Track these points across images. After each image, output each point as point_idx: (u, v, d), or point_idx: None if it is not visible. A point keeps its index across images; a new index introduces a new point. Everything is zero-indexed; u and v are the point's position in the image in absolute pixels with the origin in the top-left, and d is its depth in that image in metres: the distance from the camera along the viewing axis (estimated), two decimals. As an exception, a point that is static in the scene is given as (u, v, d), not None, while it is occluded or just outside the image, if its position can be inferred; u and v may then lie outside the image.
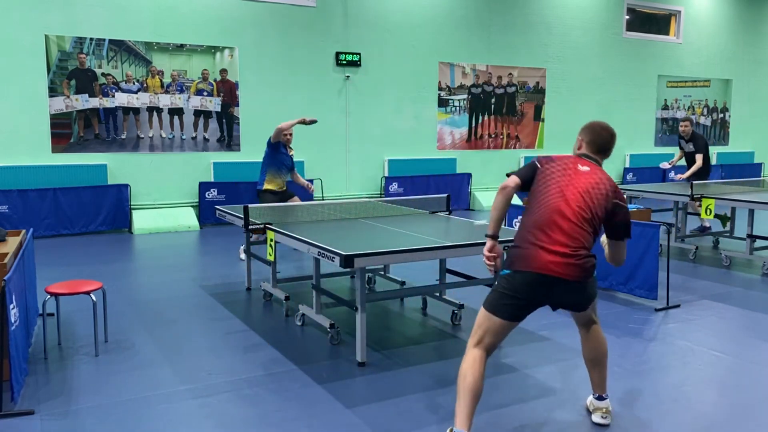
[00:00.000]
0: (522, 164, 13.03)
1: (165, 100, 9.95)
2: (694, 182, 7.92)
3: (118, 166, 9.71)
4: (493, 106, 12.78)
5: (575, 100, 13.64)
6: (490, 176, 12.84)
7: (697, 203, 6.85)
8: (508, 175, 3.30)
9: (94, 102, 9.50)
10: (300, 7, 10.72)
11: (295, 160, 10.60)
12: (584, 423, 3.37)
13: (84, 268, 7.08)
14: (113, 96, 9.61)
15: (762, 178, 15.69)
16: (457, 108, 12.42)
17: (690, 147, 8.83)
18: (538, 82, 13.19)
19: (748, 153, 16.36)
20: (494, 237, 3.27)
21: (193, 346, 4.53)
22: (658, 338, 4.72)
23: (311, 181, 10.78)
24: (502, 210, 3.19)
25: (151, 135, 9.90)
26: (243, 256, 7.32)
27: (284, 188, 7.42)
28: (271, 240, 4.78)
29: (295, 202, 7.40)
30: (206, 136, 10.27)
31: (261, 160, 7.45)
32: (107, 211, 9.41)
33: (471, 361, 2.99)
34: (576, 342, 4.58)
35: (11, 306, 3.45)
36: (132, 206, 9.72)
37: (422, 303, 5.54)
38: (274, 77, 10.64)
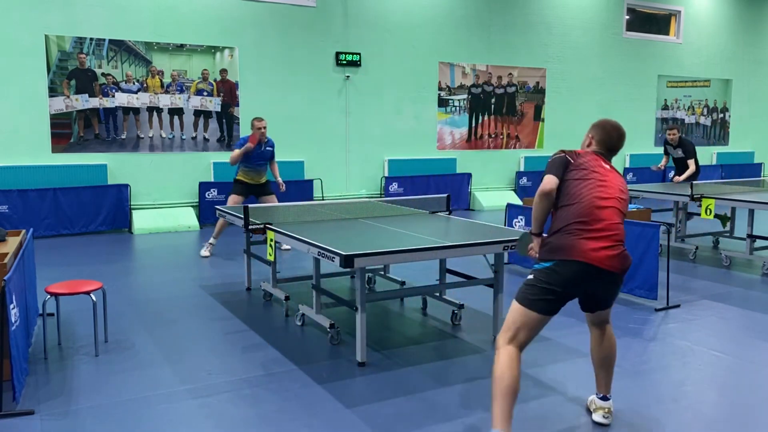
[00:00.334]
0: (522, 164, 13.04)
1: (165, 100, 9.95)
2: (694, 183, 7.92)
3: (118, 166, 9.71)
4: (493, 106, 12.78)
5: (575, 100, 13.64)
6: (490, 176, 12.85)
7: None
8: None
9: (94, 102, 9.50)
10: (300, 7, 10.72)
11: (294, 159, 10.76)
12: (584, 423, 3.37)
13: (84, 268, 7.08)
14: (113, 96, 9.61)
15: (762, 178, 15.70)
16: (457, 108, 12.42)
17: (679, 153, 8.90)
18: (538, 82, 13.19)
19: (748, 153, 16.36)
20: (539, 235, 3.23)
21: (193, 346, 4.53)
22: (658, 338, 4.72)
23: (311, 181, 10.80)
24: (546, 213, 3.13)
25: (151, 135, 9.90)
26: (205, 252, 7.69)
27: (260, 181, 7.73)
28: (271, 240, 4.78)
29: (270, 202, 7.65)
30: (206, 136, 10.27)
31: (268, 158, 7.80)
32: (107, 211, 9.41)
33: (508, 360, 2.91)
34: (576, 342, 4.58)
35: (11, 306, 3.46)
36: (132, 206, 9.72)
37: (422, 303, 5.54)
38: (274, 77, 10.64)
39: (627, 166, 14.34)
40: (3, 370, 3.50)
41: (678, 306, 5.55)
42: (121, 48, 9.57)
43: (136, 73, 9.71)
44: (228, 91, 10.36)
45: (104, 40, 9.45)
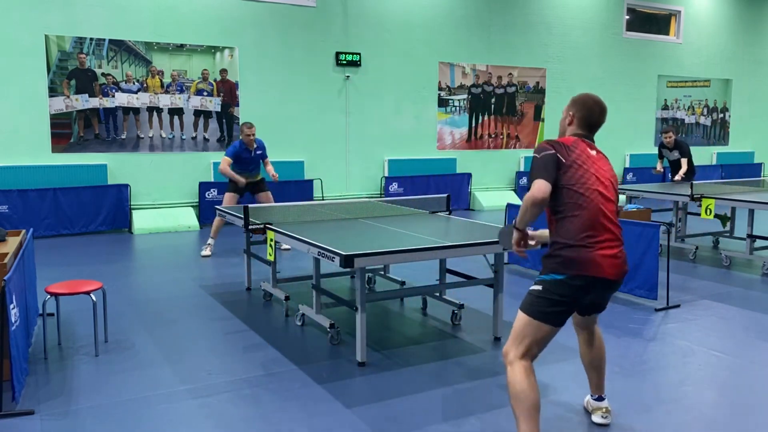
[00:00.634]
0: (522, 164, 13.03)
1: (165, 100, 9.95)
2: (694, 183, 7.93)
3: (118, 166, 9.71)
4: (493, 106, 12.78)
5: (575, 100, 13.62)
6: (490, 176, 12.84)
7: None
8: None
9: (94, 102, 9.50)
10: (300, 7, 10.72)
11: (294, 159, 10.76)
12: (584, 423, 3.37)
13: (84, 268, 7.08)
14: (113, 96, 9.61)
15: (762, 178, 15.70)
16: (457, 108, 12.42)
17: (675, 155, 8.95)
18: (538, 82, 13.19)
19: (748, 153, 16.36)
20: (522, 231, 3.04)
21: (193, 346, 4.53)
22: (658, 338, 4.72)
23: (311, 181, 10.80)
24: (536, 218, 2.92)
25: (151, 135, 9.90)
26: (206, 252, 7.78)
27: (255, 179, 7.89)
28: (271, 240, 4.78)
29: (266, 199, 7.86)
30: (206, 136, 10.27)
31: (260, 159, 7.92)
32: (107, 211, 9.41)
33: (524, 376, 2.81)
34: (576, 342, 4.57)
35: (11, 306, 3.46)
36: (132, 206, 9.72)
37: (422, 303, 5.54)
38: (274, 77, 10.64)
39: (627, 166, 14.34)
40: (3, 370, 3.50)
41: (678, 306, 5.55)
42: (121, 48, 9.57)
43: (136, 73, 9.71)
44: (228, 91, 10.36)
45: (104, 40, 9.45)
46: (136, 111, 9.78)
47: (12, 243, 4.46)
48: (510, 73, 12.87)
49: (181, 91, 10.04)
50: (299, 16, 10.73)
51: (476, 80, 12.54)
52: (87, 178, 9.40)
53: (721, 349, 4.49)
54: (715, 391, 3.80)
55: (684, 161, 8.86)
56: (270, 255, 4.92)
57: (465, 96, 12.46)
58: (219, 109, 10.32)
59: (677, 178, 8.88)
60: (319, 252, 4.04)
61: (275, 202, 8.38)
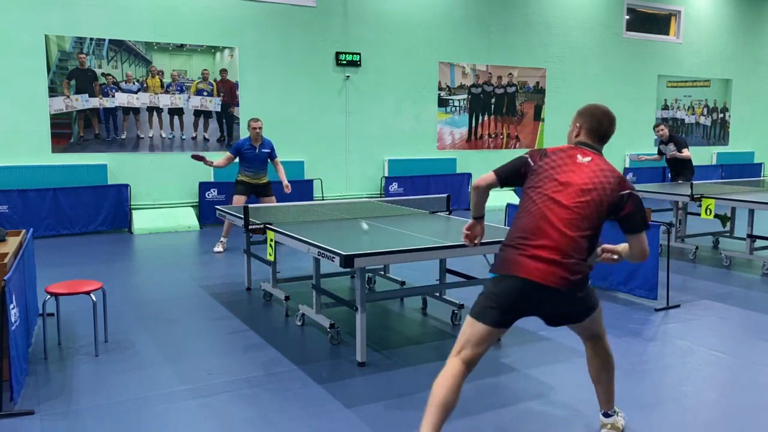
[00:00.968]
0: (522, 164, 13.01)
1: (165, 100, 9.95)
2: (694, 183, 7.93)
3: (118, 166, 9.71)
4: (493, 106, 12.78)
5: (575, 100, 13.62)
6: (490, 176, 12.82)
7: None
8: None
9: (94, 102, 9.50)
10: (300, 7, 10.72)
11: (294, 159, 10.75)
12: (584, 422, 3.37)
13: (84, 268, 7.08)
14: (113, 96, 9.61)
15: (762, 178, 15.70)
16: (457, 108, 12.42)
17: (671, 148, 8.89)
18: (538, 82, 13.19)
19: (748, 153, 16.36)
20: (476, 218, 3.30)
21: (193, 346, 4.53)
22: (658, 338, 4.72)
23: (311, 181, 10.79)
24: (480, 204, 3.19)
25: (151, 135, 9.90)
26: (218, 248, 7.92)
27: (260, 181, 7.90)
28: (271, 240, 4.78)
29: (269, 202, 7.86)
30: (206, 136, 10.27)
31: (267, 159, 7.99)
32: (107, 211, 9.41)
33: (444, 373, 2.77)
34: (576, 342, 4.57)
35: (11, 306, 3.46)
36: (132, 206, 9.72)
37: (422, 303, 5.54)
38: (274, 77, 10.64)
39: (627, 166, 14.34)
40: (2, 371, 3.50)
41: (678, 306, 5.55)
42: (121, 48, 9.57)
43: (136, 73, 9.71)
44: (228, 91, 10.36)
45: (104, 40, 9.45)
46: (136, 111, 9.78)
47: (12, 243, 4.46)
48: (510, 73, 12.87)
49: (181, 91, 10.04)
50: (299, 16, 10.73)
51: (476, 80, 12.54)
52: (87, 178, 9.40)
53: (721, 349, 4.49)
54: (715, 391, 3.80)
55: (685, 150, 8.78)
56: (270, 255, 4.92)
57: (465, 96, 12.46)
58: (219, 109, 10.32)
59: (677, 154, 8.77)
60: (319, 252, 4.04)
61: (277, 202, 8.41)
